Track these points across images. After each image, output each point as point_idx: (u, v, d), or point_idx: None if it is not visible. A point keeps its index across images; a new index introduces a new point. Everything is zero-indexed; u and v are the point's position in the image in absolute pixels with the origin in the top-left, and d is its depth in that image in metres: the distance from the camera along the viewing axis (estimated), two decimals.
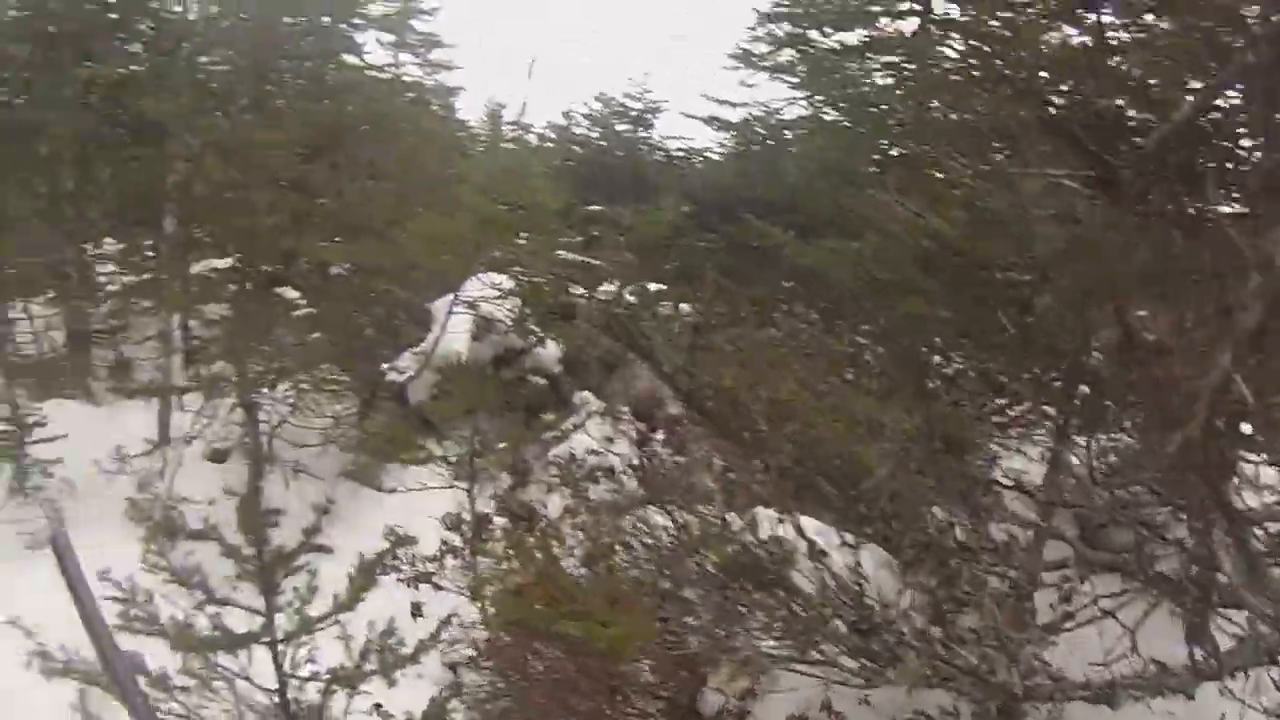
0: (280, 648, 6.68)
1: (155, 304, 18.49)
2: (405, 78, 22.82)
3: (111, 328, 18.00)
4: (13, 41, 17.63)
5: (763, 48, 19.69)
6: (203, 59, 18.23)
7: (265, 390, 12.85)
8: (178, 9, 19.38)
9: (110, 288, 19.32)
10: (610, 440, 10.67)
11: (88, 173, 17.79)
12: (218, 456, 13.43)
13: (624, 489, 10.41)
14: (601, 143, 23.34)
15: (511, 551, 8.97)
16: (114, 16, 18.32)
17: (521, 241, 13.13)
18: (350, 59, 21.02)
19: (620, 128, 23.29)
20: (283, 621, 6.63)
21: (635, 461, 10.23)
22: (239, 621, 6.75)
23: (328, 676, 6.84)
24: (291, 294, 14.19)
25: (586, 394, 14.53)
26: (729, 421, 7.94)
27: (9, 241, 13.56)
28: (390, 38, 23.20)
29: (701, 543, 8.11)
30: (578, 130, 24.56)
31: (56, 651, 6.78)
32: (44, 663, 6.70)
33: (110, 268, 19.73)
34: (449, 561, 9.75)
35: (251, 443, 12.86)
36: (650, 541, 8.71)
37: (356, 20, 21.87)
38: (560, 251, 14.86)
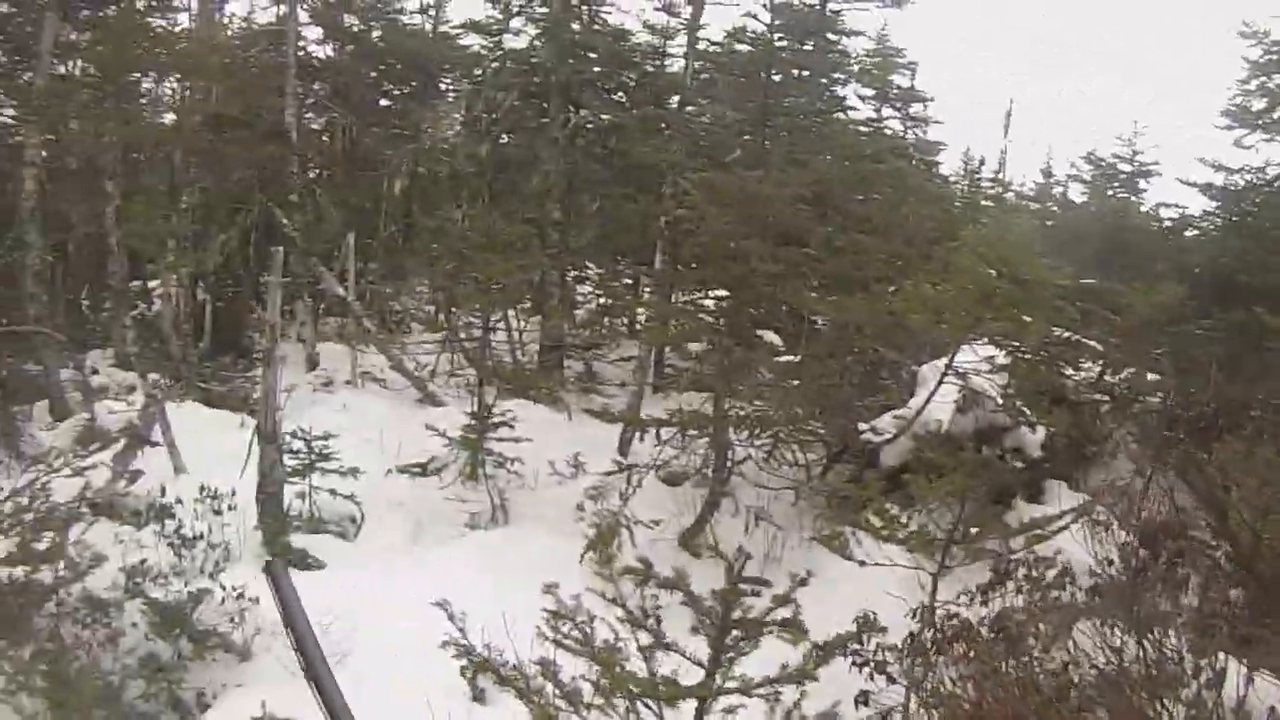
0: (709, 701, 6.22)
1: (627, 329, 19.56)
2: (886, 131, 22.73)
3: (585, 343, 19.13)
4: (500, 89, 19.24)
5: (1257, 104, 17.53)
6: (690, 109, 19.02)
7: (744, 435, 12.70)
8: (652, 65, 20.54)
9: (587, 306, 20.69)
10: (1109, 563, 9.64)
11: (573, 205, 19.07)
12: (672, 480, 13.50)
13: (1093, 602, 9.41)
14: (1089, 206, 21.88)
15: (974, 662, 8.20)
16: (598, 69, 19.55)
17: (1026, 319, 12.26)
18: (838, 115, 21.26)
19: (1109, 191, 21.80)
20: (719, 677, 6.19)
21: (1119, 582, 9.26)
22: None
23: None
24: (773, 338, 14.16)
25: (1060, 483, 13.44)
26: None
27: (499, 260, 14.29)
28: (871, 92, 23.22)
29: (1165, 686, 7.24)
30: (1058, 190, 23.50)
31: (472, 634, 6.89)
32: (455, 648, 6.74)
33: (587, 288, 21.21)
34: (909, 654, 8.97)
35: (714, 482, 12.71)
36: (1108, 666, 7.93)
37: (839, 75, 22.06)
38: (1055, 329, 13.83)
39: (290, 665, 8.71)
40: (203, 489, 11.06)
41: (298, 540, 11.30)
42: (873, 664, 8.46)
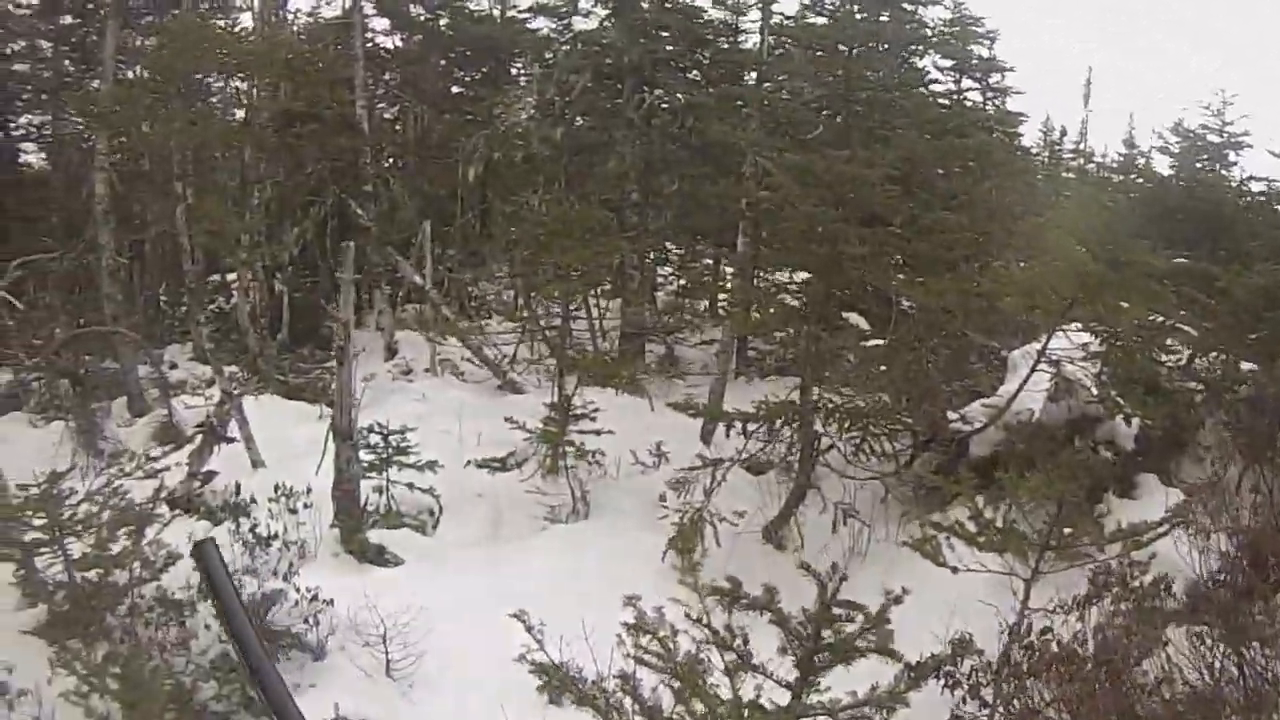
0: None
1: (709, 313, 19.21)
2: (967, 104, 21.99)
3: (666, 327, 18.81)
4: (571, 72, 18.98)
5: None
6: (767, 86, 18.53)
7: (832, 426, 12.29)
8: (726, 42, 20.07)
9: (668, 289, 20.38)
10: (1214, 581, 9.07)
11: (651, 186, 18.74)
12: (757, 468, 13.12)
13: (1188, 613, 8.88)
14: (1178, 180, 20.67)
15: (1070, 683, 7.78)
16: (671, 48, 19.16)
17: (1123, 304, 11.61)
18: (918, 89, 20.59)
19: (1198, 164, 20.62)
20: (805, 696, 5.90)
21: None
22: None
23: None
24: (858, 321, 13.72)
25: (1152, 477, 12.71)
26: None
27: (577, 245, 14.02)
28: (949, 63, 22.43)
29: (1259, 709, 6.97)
30: (1141, 162, 22.45)
31: (550, 639, 6.78)
32: (531, 665, 6.61)
33: (667, 270, 20.91)
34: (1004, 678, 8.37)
35: (800, 473, 12.27)
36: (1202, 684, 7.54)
37: (916, 46, 21.32)
38: (1151, 314, 13.09)
39: (365, 666, 8.65)
40: (278, 488, 10.98)
41: (374, 536, 11.15)
42: (966, 687, 8.01)
